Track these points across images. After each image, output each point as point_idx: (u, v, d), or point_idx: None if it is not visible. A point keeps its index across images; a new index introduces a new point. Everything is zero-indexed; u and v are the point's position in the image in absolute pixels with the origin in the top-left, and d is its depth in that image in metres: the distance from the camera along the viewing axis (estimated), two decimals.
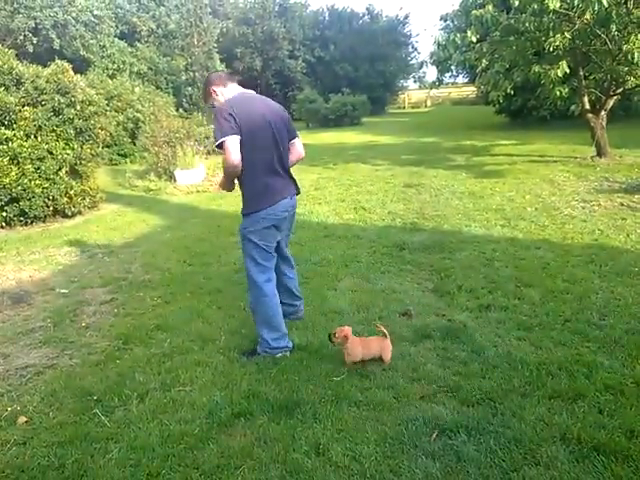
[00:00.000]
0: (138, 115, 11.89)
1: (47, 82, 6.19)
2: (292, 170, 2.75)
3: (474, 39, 7.27)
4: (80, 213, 6.58)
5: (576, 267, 3.63)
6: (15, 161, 5.79)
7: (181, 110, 15.69)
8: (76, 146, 6.33)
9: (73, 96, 6.28)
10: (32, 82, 6.13)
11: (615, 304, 2.99)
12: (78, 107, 6.30)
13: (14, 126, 5.87)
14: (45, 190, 5.98)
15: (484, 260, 3.92)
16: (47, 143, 6.04)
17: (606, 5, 6.01)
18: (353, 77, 24.34)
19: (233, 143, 2.41)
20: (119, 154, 11.79)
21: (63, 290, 3.89)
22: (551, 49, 6.67)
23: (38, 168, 5.93)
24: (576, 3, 6.13)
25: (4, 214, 5.88)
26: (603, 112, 7.90)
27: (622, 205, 5.24)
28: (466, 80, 23.62)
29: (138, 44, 18.77)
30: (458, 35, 7.50)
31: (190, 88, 16.99)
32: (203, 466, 1.89)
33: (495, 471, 1.78)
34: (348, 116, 19.32)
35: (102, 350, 2.87)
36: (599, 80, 8.15)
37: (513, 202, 5.71)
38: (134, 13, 20.33)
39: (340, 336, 2.46)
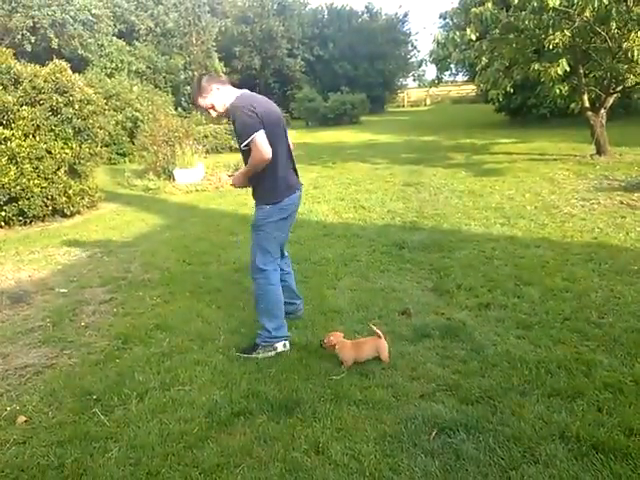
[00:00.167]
0: (137, 114, 11.88)
1: (45, 81, 6.17)
2: None
3: (473, 37, 7.26)
4: (79, 212, 6.57)
5: (575, 265, 3.63)
6: (14, 161, 5.78)
7: (180, 109, 15.70)
8: (75, 145, 6.32)
9: (71, 95, 6.27)
10: (30, 81, 6.12)
11: (614, 302, 2.99)
12: (76, 106, 6.28)
13: (12, 125, 5.86)
14: (44, 190, 5.98)
15: (483, 259, 3.92)
16: (45, 142, 6.03)
17: (606, 2, 6.01)
18: (352, 76, 24.30)
19: (263, 138, 2.45)
20: (118, 153, 11.78)
21: (62, 290, 3.89)
22: (551, 47, 6.65)
23: (37, 168, 5.92)
24: (576, 0, 6.13)
25: (3, 214, 5.87)
26: (603, 110, 7.89)
27: (622, 203, 5.24)
28: (466, 78, 23.57)
29: (136, 43, 18.70)
30: (457, 33, 7.48)
31: (189, 87, 16.95)
32: (203, 465, 1.89)
33: (494, 469, 1.78)
34: (347, 115, 19.30)
35: (101, 349, 2.87)
36: (599, 78, 8.14)
37: (513, 200, 5.71)
38: (132, 12, 20.25)
39: (328, 344, 2.49)
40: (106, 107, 7.85)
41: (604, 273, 3.45)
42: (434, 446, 1.90)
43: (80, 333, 3.11)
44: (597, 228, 4.46)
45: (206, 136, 11.80)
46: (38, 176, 5.92)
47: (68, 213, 6.39)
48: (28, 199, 5.89)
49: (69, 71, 6.52)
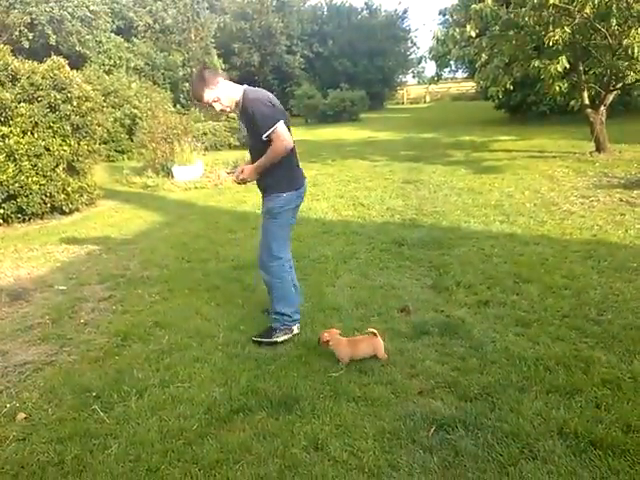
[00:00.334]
0: (135, 111, 11.84)
1: (43, 78, 6.14)
2: None
3: (473, 34, 7.24)
4: (78, 210, 6.56)
5: (575, 263, 3.64)
6: (12, 158, 5.76)
7: (178, 106, 15.64)
8: (73, 143, 6.30)
9: (69, 92, 6.24)
10: (28, 78, 6.08)
11: (613, 300, 3.00)
12: (75, 103, 6.25)
13: (10, 123, 5.83)
14: (42, 187, 5.96)
15: (483, 256, 3.92)
16: (44, 140, 6.01)
17: None
18: (352, 72, 24.25)
19: (284, 128, 2.49)
20: (116, 150, 11.75)
21: (61, 287, 3.89)
22: (551, 44, 6.64)
23: (35, 165, 5.90)
24: None
25: (1, 211, 5.85)
26: (602, 107, 7.88)
27: (621, 201, 5.24)
28: (465, 75, 23.57)
29: (135, 39, 18.62)
30: (457, 30, 7.46)
31: (187, 84, 16.90)
32: (202, 461, 1.89)
33: (492, 465, 1.79)
34: (346, 112, 19.27)
35: (101, 347, 2.87)
36: (599, 75, 8.12)
37: (512, 198, 5.71)
38: (130, 8, 20.13)
39: (323, 341, 2.50)
40: (104, 104, 7.84)
41: (603, 270, 3.45)
42: (433, 442, 1.91)
43: (79, 330, 3.11)
44: (596, 225, 4.46)
45: (205, 133, 11.76)
46: (36, 173, 5.90)
47: (67, 210, 6.38)
48: (26, 196, 5.88)
49: (67, 68, 6.48)
